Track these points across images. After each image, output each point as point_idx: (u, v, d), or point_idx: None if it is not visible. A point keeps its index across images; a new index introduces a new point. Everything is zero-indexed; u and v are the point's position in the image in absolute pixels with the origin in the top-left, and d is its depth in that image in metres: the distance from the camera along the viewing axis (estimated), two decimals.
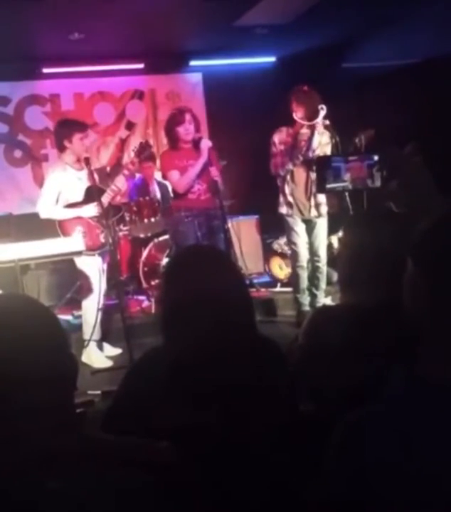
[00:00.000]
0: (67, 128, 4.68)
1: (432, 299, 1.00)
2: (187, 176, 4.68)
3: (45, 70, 7.29)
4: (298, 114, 4.90)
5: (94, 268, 4.69)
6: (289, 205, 5.03)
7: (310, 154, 4.90)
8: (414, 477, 0.92)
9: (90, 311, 4.69)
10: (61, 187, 4.63)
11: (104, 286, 4.83)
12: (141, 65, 7.70)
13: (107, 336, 5.04)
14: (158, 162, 6.69)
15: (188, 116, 4.72)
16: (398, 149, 6.27)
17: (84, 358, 4.69)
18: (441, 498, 0.91)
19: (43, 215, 4.64)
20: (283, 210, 5.08)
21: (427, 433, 0.94)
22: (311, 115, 4.81)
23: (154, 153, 6.84)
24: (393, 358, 1.14)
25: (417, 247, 1.04)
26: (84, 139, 4.68)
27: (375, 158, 4.61)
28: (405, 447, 0.94)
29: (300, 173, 5.02)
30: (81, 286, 5.01)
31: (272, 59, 8.11)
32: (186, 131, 4.70)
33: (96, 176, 4.78)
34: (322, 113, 4.75)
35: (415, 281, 1.04)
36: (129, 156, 6.40)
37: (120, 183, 4.75)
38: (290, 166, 4.96)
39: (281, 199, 5.08)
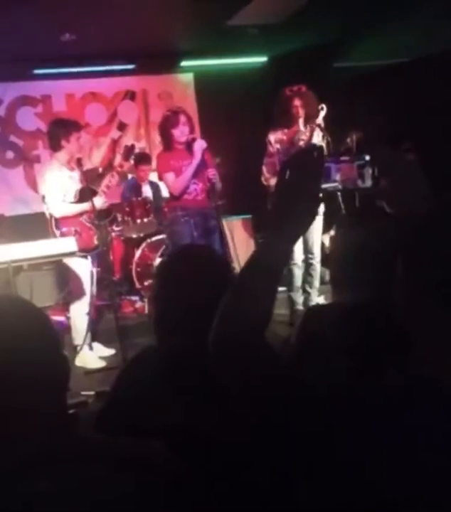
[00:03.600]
0: (64, 127, 4.66)
1: (423, 297, 0.98)
2: (182, 178, 4.66)
3: (37, 71, 7.27)
4: (300, 115, 4.87)
5: (85, 270, 4.66)
6: None
7: None
8: (410, 476, 0.92)
9: (78, 316, 4.66)
10: (60, 187, 4.61)
11: (94, 289, 4.79)
12: (132, 66, 7.68)
13: (100, 336, 5.01)
14: (154, 163, 6.73)
15: (182, 118, 4.69)
16: (389, 148, 6.29)
17: (78, 362, 4.63)
18: (438, 498, 0.91)
19: (59, 214, 4.56)
20: None
21: (425, 432, 0.93)
22: (313, 115, 4.80)
23: (149, 156, 6.84)
24: (387, 357, 1.14)
25: (408, 246, 1.03)
26: (79, 138, 4.71)
27: (366, 158, 4.62)
28: (402, 446, 0.94)
29: None
30: (71, 289, 4.95)
31: (263, 59, 8.11)
32: (181, 133, 4.68)
33: (87, 178, 4.76)
34: (322, 113, 4.73)
35: (406, 280, 1.03)
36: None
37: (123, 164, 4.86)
38: None
39: None
